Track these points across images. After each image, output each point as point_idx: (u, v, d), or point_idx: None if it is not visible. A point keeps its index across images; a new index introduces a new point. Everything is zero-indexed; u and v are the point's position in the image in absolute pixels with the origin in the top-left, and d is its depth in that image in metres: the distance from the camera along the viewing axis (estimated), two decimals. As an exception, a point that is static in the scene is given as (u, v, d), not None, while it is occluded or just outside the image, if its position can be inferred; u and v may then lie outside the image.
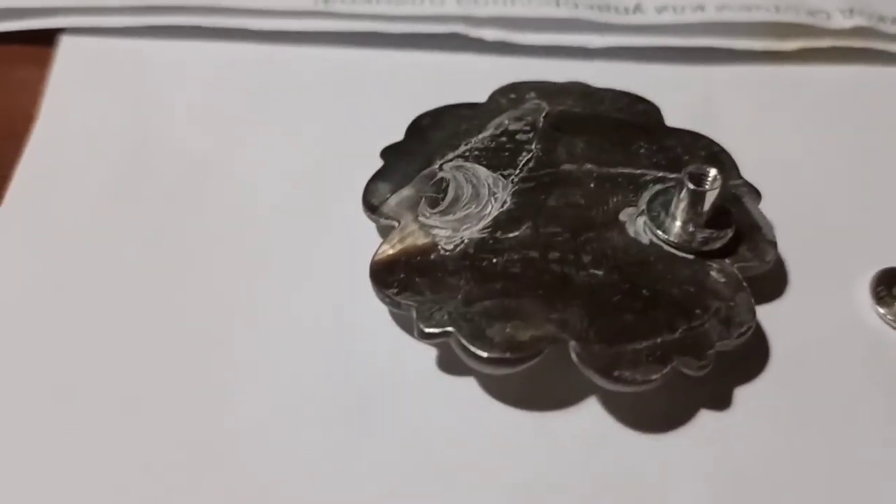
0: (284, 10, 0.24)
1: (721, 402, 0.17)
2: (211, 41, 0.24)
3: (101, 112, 0.22)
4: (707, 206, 0.17)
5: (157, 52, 0.24)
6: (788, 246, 0.20)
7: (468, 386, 0.17)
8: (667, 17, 0.25)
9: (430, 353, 0.17)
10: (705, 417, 0.17)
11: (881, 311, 0.18)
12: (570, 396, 0.17)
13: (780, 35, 0.25)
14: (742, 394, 0.17)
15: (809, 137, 0.23)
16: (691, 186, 0.17)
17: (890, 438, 0.17)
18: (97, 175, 0.21)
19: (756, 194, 0.19)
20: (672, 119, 0.21)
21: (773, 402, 0.17)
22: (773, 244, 0.18)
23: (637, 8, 0.25)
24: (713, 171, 0.17)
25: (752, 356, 0.18)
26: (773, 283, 0.19)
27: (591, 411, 0.17)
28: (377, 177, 0.19)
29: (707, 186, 0.17)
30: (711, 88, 0.24)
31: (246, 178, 0.21)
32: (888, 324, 0.18)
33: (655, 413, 0.17)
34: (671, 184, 0.18)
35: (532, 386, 0.17)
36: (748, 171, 0.20)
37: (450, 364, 0.17)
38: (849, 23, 0.25)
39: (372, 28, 0.24)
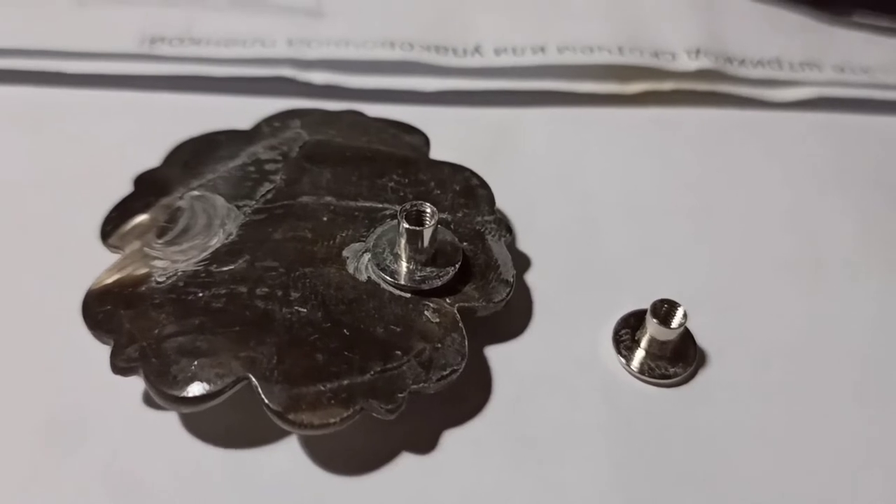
0: (105, 53, 0.23)
1: (426, 444, 0.17)
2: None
3: None
4: (426, 242, 0.17)
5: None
6: (545, 286, 0.20)
7: (169, 422, 0.17)
8: (506, 60, 0.24)
9: (139, 387, 0.17)
10: (407, 460, 0.16)
11: (620, 357, 0.18)
12: (271, 435, 0.16)
13: (624, 78, 0.25)
14: (451, 436, 0.17)
15: (610, 178, 0.22)
16: (405, 224, 0.17)
17: (609, 482, 0.16)
18: None
19: (507, 231, 0.19)
20: (463, 157, 0.20)
21: (484, 445, 0.17)
22: (509, 283, 0.18)
23: (476, 50, 0.24)
24: (429, 208, 0.17)
25: (469, 398, 0.17)
26: (515, 322, 0.19)
27: (290, 451, 0.16)
28: (122, 203, 0.19)
29: (426, 223, 0.17)
30: (533, 127, 0.24)
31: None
32: (625, 369, 0.18)
33: (355, 454, 0.16)
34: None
35: (233, 424, 0.17)
36: (527, 209, 0.19)
37: (153, 399, 0.17)
38: (694, 64, 0.24)
39: (197, 72, 0.23)
